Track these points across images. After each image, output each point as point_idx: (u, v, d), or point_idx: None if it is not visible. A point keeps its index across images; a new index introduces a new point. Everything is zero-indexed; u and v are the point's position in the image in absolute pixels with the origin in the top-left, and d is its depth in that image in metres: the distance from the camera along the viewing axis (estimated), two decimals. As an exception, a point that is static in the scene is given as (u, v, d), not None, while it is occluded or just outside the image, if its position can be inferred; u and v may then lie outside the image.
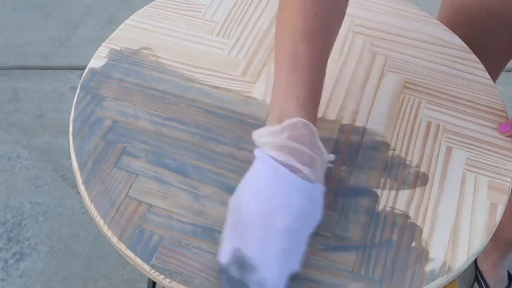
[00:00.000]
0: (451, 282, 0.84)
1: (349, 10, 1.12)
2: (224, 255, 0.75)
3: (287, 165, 0.75)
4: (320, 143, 0.77)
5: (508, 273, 1.75)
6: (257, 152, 0.77)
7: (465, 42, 1.10)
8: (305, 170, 0.75)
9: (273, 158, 0.75)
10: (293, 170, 0.75)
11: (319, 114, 0.97)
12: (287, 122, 0.75)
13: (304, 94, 0.78)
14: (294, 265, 0.75)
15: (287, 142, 0.75)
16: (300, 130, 0.76)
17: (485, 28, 1.19)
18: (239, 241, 0.75)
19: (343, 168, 0.91)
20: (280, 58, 0.81)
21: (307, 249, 0.76)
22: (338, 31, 0.88)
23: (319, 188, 0.77)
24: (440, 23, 1.12)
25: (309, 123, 0.76)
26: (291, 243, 0.74)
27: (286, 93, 0.78)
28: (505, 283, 1.74)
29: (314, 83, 0.79)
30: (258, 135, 0.78)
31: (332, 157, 0.80)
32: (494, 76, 1.22)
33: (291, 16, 0.82)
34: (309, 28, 0.80)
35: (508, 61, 1.29)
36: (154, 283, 1.32)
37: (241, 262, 0.74)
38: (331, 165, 0.89)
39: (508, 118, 0.98)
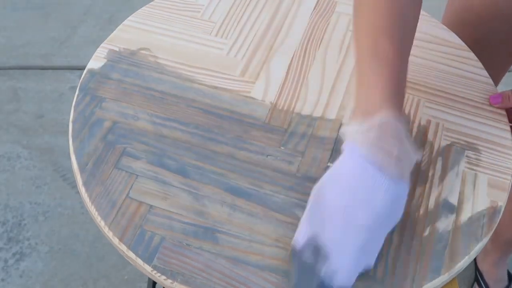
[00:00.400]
0: (450, 281, 0.84)
1: (349, 10, 1.13)
2: (300, 239, 0.78)
3: (374, 163, 0.75)
4: (408, 141, 0.77)
5: (508, 273, 1.75)
6: (346, 146, 0.78)
7: (471, 41, 1.10)
8: (392, 169, 0.75)
9: (362, 154, 0.75)
10: (381, 168, 0.75)
11: (319, 114, 0.97)
12: (377, 119, 0.75)
13: (389, 87, 0.78)
14: (368, 263, 0.77)
15: (376, 139, 0.75)
16: (390, 128, 0.75)
17: (492, 28, 1.19)
18: (317, 228, 0.76)
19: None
20: (361, 53, 0.82)
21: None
22: (416, 22, 0.88)
23: (404, 187, 0.77)
24: (438, 22, 1.12)
25: (399, 120, 0.76)
26: (368, 240, 0.76)
27: (371, 87, 0.78)
28: (505, 283, 1.74)
29: (397, 76, 0.79)
30: (348, 130, 0.78)
31: (420, 155, 0.79)
32: (496, 78, 1.22)
33: (368, 11, 0.82)
34: (387, 22, 0.81)
35: (511, 65, 1.29)
36: (154, 283, 1.32)
37: (316, 250, 0.75)
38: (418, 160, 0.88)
39: (508, 121, 0.98)
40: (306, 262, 0.76)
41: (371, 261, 0.77)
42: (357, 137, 0.76)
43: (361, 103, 0.79)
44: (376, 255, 0.77)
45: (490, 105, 1.00)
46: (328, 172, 0.79)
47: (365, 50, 0.81)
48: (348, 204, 0.75)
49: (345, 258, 0.75)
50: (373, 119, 0.75)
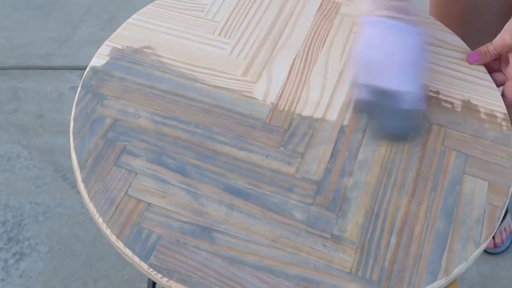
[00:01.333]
0: (451, 284, 0.84)
1: (351, 11, 1.12)
2: (365, 93, 0.96)
3: (392, 18, 0.93)
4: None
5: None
6: (361, 19, 0.97)
7: (458, 33, 1.12)
8: (407, 17, 0.94)
9: (378, 16, 0.94)
10: (399, 20, 0.93)
11: (320, 115, 0.97)
12: None
13: None
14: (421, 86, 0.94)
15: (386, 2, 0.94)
16: None
17: (479, 21, 1.25)
18: (372, 79, 0.94)
19: (341, 170, 0.91)
20: None
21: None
22: None
23: (419, 29, 0.95)
24: (442, 25, 1.12)
25: None
26: (417, 68, 0.95)
27: None
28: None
29: None
30: (360, 5, 0.98)
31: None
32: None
33: None
34: None
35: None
36: (154, 284, 1.32)
37: (381, 93, 0.93)
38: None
39: (508, 121, 0.98)
40: (379, 104, 0.94)
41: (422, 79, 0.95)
42: (369, 7, 0.95)
43: None
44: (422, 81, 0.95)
45: (469, 63, 1.06)
46: (358, 43, 0.97)
47: None
48: (388, 53, 0.93)
49: (401, 85, 0.92)
50: None
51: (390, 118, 0.94)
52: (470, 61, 1.05)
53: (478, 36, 1.14)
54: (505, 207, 0.89)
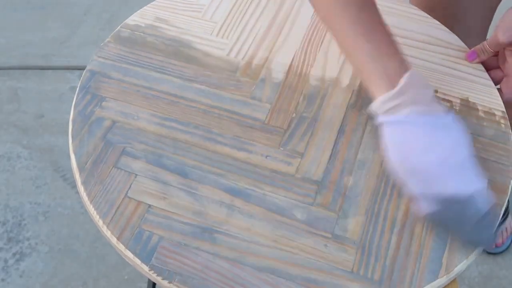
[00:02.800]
0: (451, 282, 0.84)
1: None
2: (430, 208, 0.81)
3: (425, 112, 0.81)
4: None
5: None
6: (385, 118, 0.83)
7: (443, 21, 1.13)
8: (438, 106, 0.82)
9: (411, 115, 0.81)
10: (432, 111, 0.82)
11: (319, 115, 0.97)
12: (406, 77, 0.81)
13: (395, 49, 0.84)
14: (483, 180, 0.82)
15: (414, 94, 0.81)
16: (418, 77, 0.82)
17: (463, 8, 1.25)
18: (434, 187, 0.81)
19: (341, 169, 0.91)
20: (351, 35, 0.85)
21: None
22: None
23: (452, 115, 0.83)
24: (438, 23, 1.12)
25: (420, 74, 0.83)
26: (471, 164, 0.82)
27: (380, 58, 0.83)
28: None
29: (392, 38, 0.85)
30: (380, 104, 0.82)
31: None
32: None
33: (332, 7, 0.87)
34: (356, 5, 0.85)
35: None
36: (154, 284, 1.32)
37: (451, 201, 0.80)
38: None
39: (507, 119, 0.98)
40: (456, 213, 0.81)
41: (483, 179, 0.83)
42: (393, 105, 0.81)
43: (379, 75, 0.82)
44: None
45: (469, 62, 1.05)
46: (388, 151, 0.83)
47: (353, 31, 0.85)
48: (436, 155, 0.80)
49: (469, 186, 0.80)
50: (401, 79, 0.80)
51: (478, 229, 0.82)
52: (468, 60, 1.05)
53: (463, 22, 1.15)
54: (505, 205, 0.89)
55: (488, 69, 1.05)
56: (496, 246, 1.80)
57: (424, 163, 0.80)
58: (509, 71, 1.01)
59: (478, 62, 1.05)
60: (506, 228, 1.81)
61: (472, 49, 1.05)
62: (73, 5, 2.51)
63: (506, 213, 1.80)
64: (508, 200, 1.69)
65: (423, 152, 0.80)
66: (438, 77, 1.03)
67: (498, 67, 1.04)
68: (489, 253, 1.82)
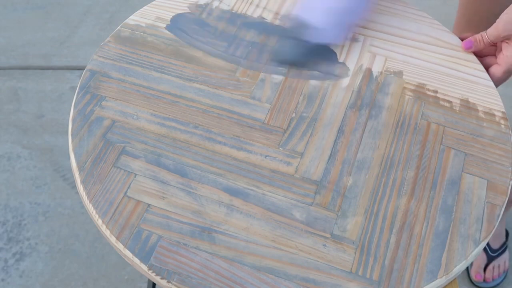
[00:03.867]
0: (451, 282, 0.84)
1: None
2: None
3: None
4: None
5: (506, 230, 1.76)
6: None
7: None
8: None
9: None
10: None
11: (319, 115, 0.97)
12: None
13: None
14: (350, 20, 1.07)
15: None
16: None
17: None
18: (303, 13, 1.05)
19: (340, 169, 0.91)
20: None
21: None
22: None
23: None
24: (440, 24, 1.12)
25: None
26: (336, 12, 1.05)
27: None
28: (503, 238, 1.75)
29: None
30: None
31: None
32: None
33: None
34: None
35: None
36: (154, 284, 1.32)
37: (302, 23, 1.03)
38: None
39: (507, 119, 0.98)
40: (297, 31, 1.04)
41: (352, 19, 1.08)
42: None
43: None
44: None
45: (464, 50, 1.08)
46: None
47: None
48: None
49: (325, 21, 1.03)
50: None
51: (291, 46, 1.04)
52: (464, 47, 1.08)
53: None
54: (504, 206, 0.89)
55: (482, 56, 1.08)
56: (485, 281, 1.74)
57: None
58: (502, 61, 1.03)
59: (472, 51, 1.07)
60: (498, 265, 1.75)
61: (470, 38, 1.07)
62: (73, 5, 2.51)
63: (504, 247, 1.77)
64: (507, 238, 1.70)
65: None
66: (438, 77, 1.03)
67: (492, 55, 1.07)
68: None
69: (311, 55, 1.04)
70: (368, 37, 1.10)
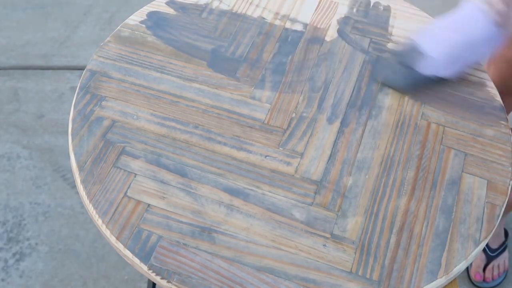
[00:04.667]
0: (451, 282, 0.84)
1: (351, 12, 1.12)
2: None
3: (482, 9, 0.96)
4: None
5: (505, 229, 1.76)
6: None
7: None
8: (495, 16, 0.95)
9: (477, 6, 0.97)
10: (485, 12, 0.95)
11: (319, 115, 0.97)
12: None
13: None
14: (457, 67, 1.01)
15: None
16: None
17: None
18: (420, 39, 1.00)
19: (340, 169, 0.91)
20: None
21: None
22: None
23: (501, 32, 0.97)
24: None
25: None
26: (457, 53, 0.99)
27: None
28: (502, 238, 1.74)
29: None
30: None
31: None
32: None
33: None
34: None
35: None
36: (154, 284, 1.32)
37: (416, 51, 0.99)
38: None
39: (507, 119, 0.99)
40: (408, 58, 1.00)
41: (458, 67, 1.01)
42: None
43: None
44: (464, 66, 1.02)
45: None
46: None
47: None
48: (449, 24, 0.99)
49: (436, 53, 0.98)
50: None
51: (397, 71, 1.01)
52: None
53: None
54: (504, 206, 0.89)
55: None
56: (485, 281, 1.74)
57: (439, 27, 1.01)
58: None
59: None
60: (498, 265, 1.74)
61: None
62: (73, 5, 2.51)
63: (503, 247, 1.77)
64: (506, 237, 1.69)
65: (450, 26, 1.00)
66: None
67: None
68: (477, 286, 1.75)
69: (417, 85, 1.02)
70: (367, 37, 1.09)
